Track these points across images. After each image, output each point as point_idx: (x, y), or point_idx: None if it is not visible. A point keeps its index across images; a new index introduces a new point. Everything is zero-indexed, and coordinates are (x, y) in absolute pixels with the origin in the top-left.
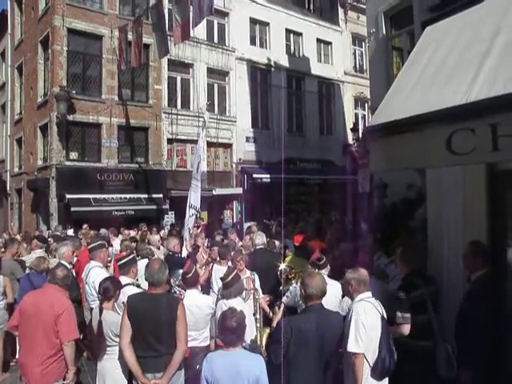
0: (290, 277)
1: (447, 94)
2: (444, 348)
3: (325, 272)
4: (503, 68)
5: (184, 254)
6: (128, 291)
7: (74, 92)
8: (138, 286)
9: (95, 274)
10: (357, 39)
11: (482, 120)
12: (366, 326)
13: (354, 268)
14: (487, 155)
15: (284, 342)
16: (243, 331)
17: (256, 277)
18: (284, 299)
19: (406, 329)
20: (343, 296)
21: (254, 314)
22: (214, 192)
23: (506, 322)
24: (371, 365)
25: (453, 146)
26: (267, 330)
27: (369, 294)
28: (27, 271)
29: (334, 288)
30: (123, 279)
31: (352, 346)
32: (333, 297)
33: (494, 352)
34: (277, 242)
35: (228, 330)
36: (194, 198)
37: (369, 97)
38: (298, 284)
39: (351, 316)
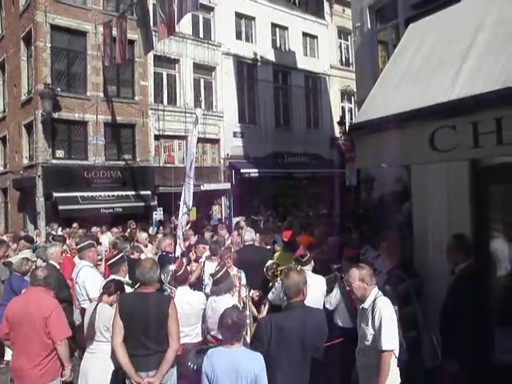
0: (276, 273)
1: (430, 92)
2: (428, 338)
3: (309, 268)
4: (483, 66)
5: (178, 253)
6: None
7: (58, 89)
8: (129, 284)
9: (84, 274)
10: (342, 33)
11: (463, 118)
12: (394, 321)
13: (357, 265)
14: (468, 152)
15: (265, 339)
16: (239, 330)
17: (242, 274)
18: (270, 296)
19: None
20: (330, 291)
21: (244, 311)
22: (202, 187)
23: (488, 311)
24: (397, 356)
25: (435, 143)
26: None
27: (376, 287)
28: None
29: (318, 284)
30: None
31: (387, 344)
32: (317, 292)
33: (477, 341)
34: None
35: (224, 328)
36: (188, 196)
37: (355, 90)
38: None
39: (380, 315)
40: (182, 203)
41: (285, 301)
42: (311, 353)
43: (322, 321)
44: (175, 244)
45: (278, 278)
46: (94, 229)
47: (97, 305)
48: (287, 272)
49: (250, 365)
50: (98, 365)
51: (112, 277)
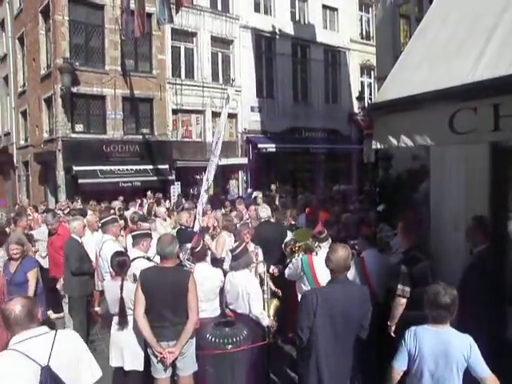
0: (293, 249)
1: (452, 73)
2: None
3: (326, 245)
4: (509, 46)
5: (196, 228)
6: (138, 264)
7: (77, 64)
8: (149, 258)
9: (108, 247)
10: (363, 5)
11: (484, 100)
12: None
13: None
14: (488, 135)
15: (311, 311)
16: (456, 308)
17: (259, 250)
18: (286, 271)
19: (404, 301)
20: None
21: (262, 286)
22: (219, 162)
23: (502, 291)
24: None
25: (455, 125)
26: (274, 301)
27: None
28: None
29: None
30: (133, 251)
31: None
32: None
33: (490, 319)
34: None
35: (441, 307)
36: (211, 174)
37: (375, 64)
38: (300, 256)
39: None
40: (204, 180)
41: (302, 276)
42: (356, 330)
43: (366, 296)
44: (194, 219)
45: (296, 254)
46: (115, 203)
47: (122, 284)
48: (332, 249)
49: (461, 347)
50: (132, 336)
51: (132, 250)
